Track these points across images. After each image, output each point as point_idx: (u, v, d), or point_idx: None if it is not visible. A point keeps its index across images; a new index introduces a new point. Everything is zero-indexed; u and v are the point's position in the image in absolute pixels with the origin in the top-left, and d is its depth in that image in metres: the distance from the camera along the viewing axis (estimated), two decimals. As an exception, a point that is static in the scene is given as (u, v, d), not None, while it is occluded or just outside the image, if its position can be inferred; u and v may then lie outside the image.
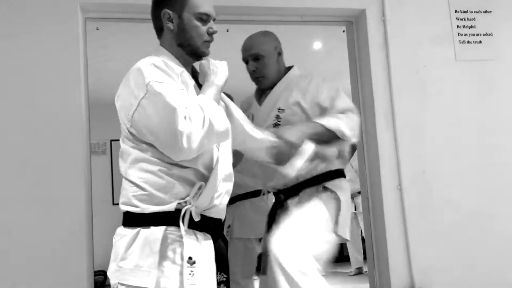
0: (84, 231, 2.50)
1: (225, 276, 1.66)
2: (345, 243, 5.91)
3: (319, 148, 2.01)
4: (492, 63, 3.09)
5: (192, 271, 1.52)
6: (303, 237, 2.08)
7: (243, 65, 2.39)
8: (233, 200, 2.44)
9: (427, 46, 3.02)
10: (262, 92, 2.44)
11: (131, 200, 1.59)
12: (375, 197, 2.95)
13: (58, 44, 2.58)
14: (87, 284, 2.47)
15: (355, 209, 5.64)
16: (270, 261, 2.02)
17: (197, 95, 1.66)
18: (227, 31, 3.88)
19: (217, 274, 1.63)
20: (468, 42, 3.08)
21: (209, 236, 1.64)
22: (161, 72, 1.58)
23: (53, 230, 2.45)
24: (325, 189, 2.24)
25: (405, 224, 2.84)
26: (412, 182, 2.88)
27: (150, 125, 1.54)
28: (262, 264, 2.19)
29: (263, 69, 2.33)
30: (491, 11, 3.14)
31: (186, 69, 1.76)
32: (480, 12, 3.13)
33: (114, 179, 6.81)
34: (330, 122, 2.08)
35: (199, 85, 1.73)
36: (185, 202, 1.57)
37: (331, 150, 2.17)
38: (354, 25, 3.11)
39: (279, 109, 2.29)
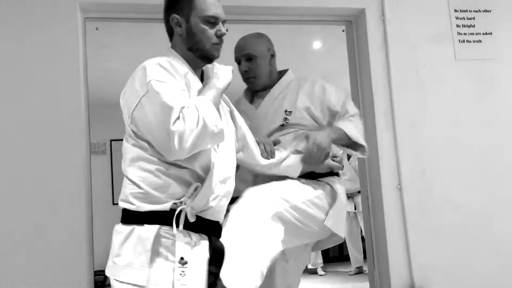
0: (84, 231, 2.50)
1: (216, 268, 1.66)
2: (345, 243, 5.93)
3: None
4: (492, 63, 3.09)
5: (183, 271, 1.52)
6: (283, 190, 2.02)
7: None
8: None
9: (427, 45, 3.02)
10: (253, 94, 2.44)
11: (128, 197, 1.61)
12: (375, 197, 2.95)
13: (57, 44, 2.58)
14: (87, 284, 2.47)
15: (355, 209, 5.65)
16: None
17: None
18: (227, 30, 3.87)
19: (214, 274, 1.63)
20: (468, 41, 3.08)
21: (206, 237, 1.63)
22: (164, 71, 1.59)
23: (53, 230, 2.45)
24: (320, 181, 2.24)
25: (405, 223, 2.84)
26: (412, 181, 2.88)
27: (147, 123, 1.55)
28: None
29: (256, 70, 2.34)
30: (490, 11, 3.14)
31: (196, 72, 1.77)
32: (479, 11, 3.13)
33: (114, 179, 6.80)
34: (350, 128, 2.24)
35: None
36: (181, 202, 1.58)
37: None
38: (353, 24, 3.11)
39: (286, 111, 2.29)
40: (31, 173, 2.48)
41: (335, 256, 7.03)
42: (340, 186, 2.29)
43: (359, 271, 5.87)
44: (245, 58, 2.35)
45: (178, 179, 1.59)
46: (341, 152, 2.86)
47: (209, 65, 1.79)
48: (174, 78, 1.60)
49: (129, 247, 1.56)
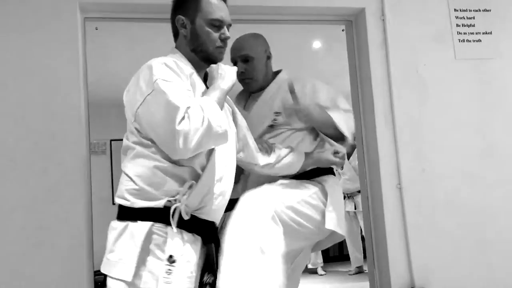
0: (84, 231, 2.50)
1: (212, 277, 1.66)
2: (345, 242, 5.93)
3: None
4: (492, 62, 3.08)
5: (170, 269, 1.52)
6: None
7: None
8: None
9: (427, 44, 3.01)
10: (248, 95, 2.44)
11: (123, 193, 1.61)
12: (374, 196, 2.95)
13: (57, 44, 2.58)
14: (87, 284, 2.47)
15: (355, 208, 5.66)
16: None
17: None
18: (227, 30, 3.87)
19: (205, 275, 1.64)
20: (468, 40, 3.08)
21: (199, 238, 1.63)
22: (170, 71, 1.60)
23: (52, 230, 2.45)
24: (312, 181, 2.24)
25: (405, 223, 2.83)
26: (411, 181, 2.88)
27: (152, 122, 1.56)
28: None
29: (252, 71, 2.33)
30: (490, 10, 3.14)
31: (199, 73, 1.77)
32: (479, 10, 3.13)
33: (114, 179, 6.80)
34: (335, 115, 2.19)
35: None
36: (175, 199, 1.58)
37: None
38: (353, 24, 3.11)
39: (275, 112, 2.29)
40: (31, 173, 2.48)
41: (335, 255, 7.03)
42: (334, 184, 2.29)
43: (359, 271, 5.87)
44: (241, 59, 2.34)
45: (175, 177, 1.59)
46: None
47: (214, 65, 1.79)
48: (180, 78, 1.61)
49: (122, 243, 1.56)
